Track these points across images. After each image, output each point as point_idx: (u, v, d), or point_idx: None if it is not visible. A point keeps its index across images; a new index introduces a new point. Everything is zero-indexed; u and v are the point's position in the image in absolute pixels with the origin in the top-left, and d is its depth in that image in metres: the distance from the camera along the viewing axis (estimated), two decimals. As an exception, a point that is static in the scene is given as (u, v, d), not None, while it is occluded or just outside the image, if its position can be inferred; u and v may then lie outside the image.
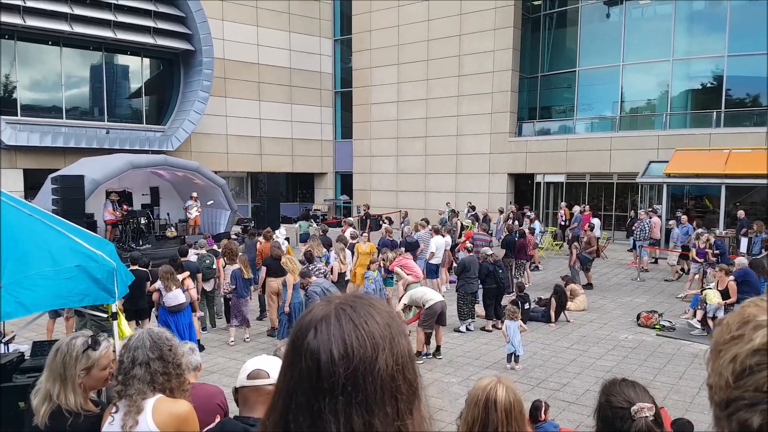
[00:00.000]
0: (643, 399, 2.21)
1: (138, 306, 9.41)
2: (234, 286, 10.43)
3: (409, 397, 1.04)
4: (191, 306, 9.34)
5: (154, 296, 9.14)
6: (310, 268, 10.08)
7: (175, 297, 9.04)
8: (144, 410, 2.59)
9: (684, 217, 16.97)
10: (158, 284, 9.03)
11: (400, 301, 9.92)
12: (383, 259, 11.52)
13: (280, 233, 15.12)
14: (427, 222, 16.09)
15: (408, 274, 10.96)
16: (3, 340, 5.36)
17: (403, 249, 12.69)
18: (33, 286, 4.00)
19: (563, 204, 21.96)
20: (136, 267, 9.51)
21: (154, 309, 9.54)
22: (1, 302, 3.80)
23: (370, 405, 0.99)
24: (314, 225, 18.42)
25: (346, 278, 12.35)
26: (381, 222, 18.05)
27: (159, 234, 19.47)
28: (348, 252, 12.64)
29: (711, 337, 0.96)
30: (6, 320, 4.28)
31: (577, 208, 20.26)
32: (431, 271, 14.02)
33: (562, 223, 20.84)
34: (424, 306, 9.44)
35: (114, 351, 3.20)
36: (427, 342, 9.64)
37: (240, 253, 11.33)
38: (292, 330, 1.09)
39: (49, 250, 4.27)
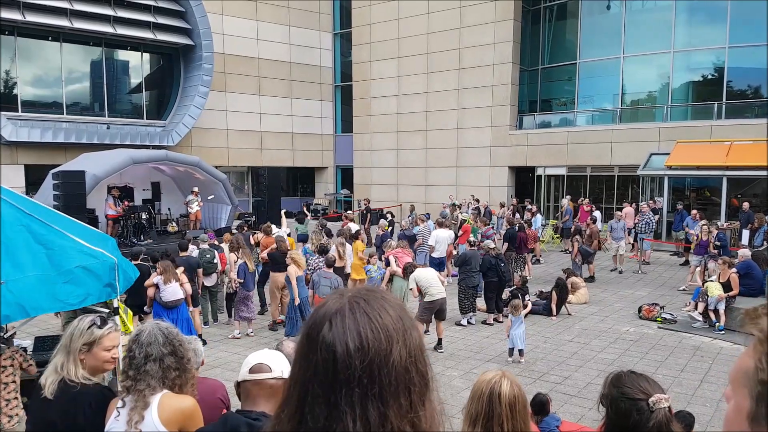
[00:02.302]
0: (655, 390, 2.20)
1: (142, 301, 9.37)
2: (242, 280, 10.48)
3: (421, 388, 1.06)
4: (186, 301, 9.33)
5: (150, 291, 8.98)
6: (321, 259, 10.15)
7: (174, 292, 8.93)
8: (150, 406, 2.60)
9: (694, 212, 16.71)
10: (156, 278, 8.92)
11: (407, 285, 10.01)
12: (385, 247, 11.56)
13: (282, 228, 15.05)
14: (428, 216, 16.09)
15: (398, 266, 10.99)
16: (5, 336, 5.37)
17: (406, 242, 12.74)
18: (32, 290, 3.99)
19: (568, 198, 21.90)
20: (138, 262, 9.49)
21: (146, 305, 9.50)
22: (1, 300, 3.80)
23: (385, 396, 1.01)
24: (312, 222, 18.36)
25: (346, 272, 12.39)
26: (383, 217, 18.04)
27: (160, 229, 19.49)
28: (348, 246, 12.66)
29: (754, 328, 0.88)
30: (5, 323, 4.26)
31: (564, 201, 20.17)
32: (434, 265, 14.01)
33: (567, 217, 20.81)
34: (424, 295, 9.47)
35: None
36: (427, 321, 9.70)
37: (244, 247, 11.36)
38: (306, 323, 1.10)
39: (48, 253, 4.24)
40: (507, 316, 11.44)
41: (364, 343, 1.01)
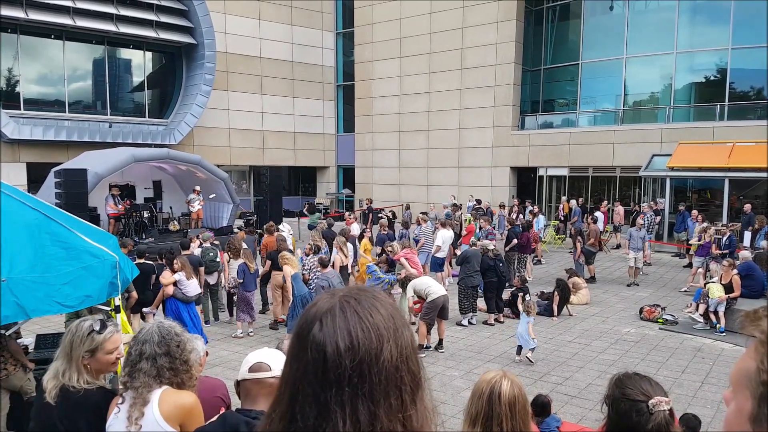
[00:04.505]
0: (657, 393, 2.21)
1: (147, 299, 9.38)
2: (242, 280, 10.45)
3: (412, 387, 1.06)
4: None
5: (170, 289, 9.02)
6: (315, 259, 10.17)
7: (196, 286, 9.29)
8: (150, 402, 2.61)
9: (695, 212, 16.83)
10: (178, 275, 9.00)
11: (405, 293, 9.94)
12: (389, 251, 11.53)
13: (284, 227, 15.05)
14: (427, 215, 16.10)
15: (412, 268, 10.97)
16: (7, 333, 5.39)
17: (414, 243, 12.74)
18: (31, 291, 3.97)
19: (564, 198, 21.93)
20: (142, 260, 9.52)
21: (152, 305, 9.48)
22: (1, 299, 3.79)
23: (376, 396, 1.00)
24: (321, 219, 18.48)
25: (348, 272, 12.38)
26: (380, 217, 18.10)
27: (162, 227, 19.49)
28: (350, 245, 12.63)
29: (755, 330, 0.88)
30: (5, 323, 4.25)
31: (573, 202, 20.19)
32: (436, 265, 14.02)
33: (561, 217, 20.83)
34: (426, 298, 9.45)
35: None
36: (428, 332, 9.64)
37: (245, 247, 11.36)
38: (297, 322, 1.10)
39: (47, 255, 4.20)
40: (508, 317, 11.49)
41: (354, 342, 1.00)
